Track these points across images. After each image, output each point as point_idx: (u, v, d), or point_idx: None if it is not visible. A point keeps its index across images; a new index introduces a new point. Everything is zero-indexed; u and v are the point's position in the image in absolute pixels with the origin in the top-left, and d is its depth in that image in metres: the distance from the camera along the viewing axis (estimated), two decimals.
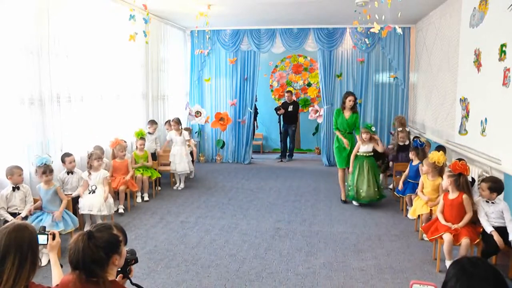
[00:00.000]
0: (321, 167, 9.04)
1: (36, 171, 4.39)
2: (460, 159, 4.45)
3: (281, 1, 6.62)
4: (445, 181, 3.99)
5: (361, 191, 5.89)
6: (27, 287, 1.91)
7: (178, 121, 7.09)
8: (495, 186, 3.77)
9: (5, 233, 1.93)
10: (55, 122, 5.05)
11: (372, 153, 5.99)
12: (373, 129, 5.98)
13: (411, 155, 5.54)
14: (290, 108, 9.72)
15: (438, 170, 4.70)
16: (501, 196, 3.94)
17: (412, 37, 8.71)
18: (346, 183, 6.22)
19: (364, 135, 5.90)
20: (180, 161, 6.92)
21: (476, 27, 5.17)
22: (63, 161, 4.93)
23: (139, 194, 6.24)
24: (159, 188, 6.94)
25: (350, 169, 6.00)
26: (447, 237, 3.76)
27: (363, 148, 5.95)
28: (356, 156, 5.98)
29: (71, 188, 4.96)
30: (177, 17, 8.10)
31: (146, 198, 6.27)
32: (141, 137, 6.51)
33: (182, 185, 7.10)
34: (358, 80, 9.03)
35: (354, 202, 6.06)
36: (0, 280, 1.84)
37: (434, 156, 4.63)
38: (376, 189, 5.90)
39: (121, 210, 5.69)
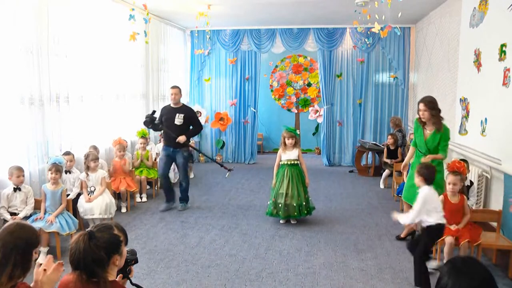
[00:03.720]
0: (321, 167, 9.04)
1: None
2: (463, 159, 4.45)
3: (281, 1, 6.62)
4: (458, 185, 3.89)
5: (279, 205, 5.10)
6: (14, 287, 1.91)
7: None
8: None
9: (3, 228, 1.99)
10: (55, 122, 5.05)
11: (297, 161, 5.24)
12: (298, 132, 5.39)
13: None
14: (178, 120, 5.63)
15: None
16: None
17: (412, 37, 8.71)
18: (269, 200, 5.34)
19: (289, 141, 5.13)
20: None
21: (476, 27, 5.17)
22: None
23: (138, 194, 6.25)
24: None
25: (274, 181, 5.27)
26: (449, 240, 3.75)
27: (286, 156, 5.18)
28: (280, 165, 5.26)
29: (68, 188, 4.94)
30: (177, 17, 8.10)
31: (144, 199, 6.27)
32: (142, 136, 6.54)
33: None
34: (358, 80, 9.03)
35: (281, 220, 5.25)
36: None
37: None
38: (295, 204, 5.07)
39: (123, 209, 5.74)
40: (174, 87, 5.80)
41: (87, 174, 4.96)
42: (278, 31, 9.01)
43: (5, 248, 1.92)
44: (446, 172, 4.25)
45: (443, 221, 3.47)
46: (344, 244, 4.59)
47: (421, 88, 8.13)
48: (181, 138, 5.57)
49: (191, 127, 5.80)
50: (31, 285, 2.03)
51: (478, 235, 3.80)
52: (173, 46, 8.84)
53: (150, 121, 5.64)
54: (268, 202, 5.36)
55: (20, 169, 4.20)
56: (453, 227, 3.81)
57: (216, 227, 5.14)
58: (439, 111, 4.26)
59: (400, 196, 5.67)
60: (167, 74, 8.57)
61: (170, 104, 5.84)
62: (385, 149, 7.24)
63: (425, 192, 3.45)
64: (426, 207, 3.42)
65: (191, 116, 5.82)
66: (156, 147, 7.27)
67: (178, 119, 5.65)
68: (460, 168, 3.95)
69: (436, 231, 3.47)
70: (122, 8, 6.37)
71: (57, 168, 4.35)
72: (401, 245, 4.54)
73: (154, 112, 5.78)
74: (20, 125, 4.51)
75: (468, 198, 4.21)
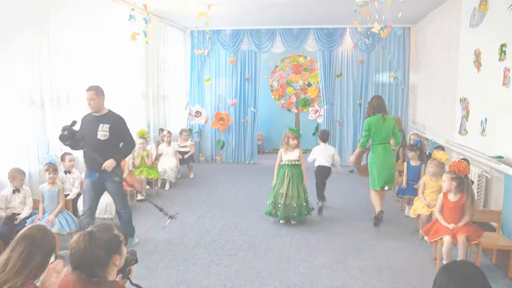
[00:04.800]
0: None
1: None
2: (464, 159, 4.45)
3: (281, 1, 6.62)
4: (447, 183, 3.94)
5: (279, 205, 5.09)
6: (23, 285, 1.93)
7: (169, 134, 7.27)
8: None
9: (29, 227, 2.09)
10: (55, 122, 5.04)
11: (298, 162, 5.19)
12: (301, 132, 5.45)
13: (411, 155, 5.52)
14: (102, 134, 4.10)
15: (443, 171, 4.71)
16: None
17: (412, 37, 8.71)
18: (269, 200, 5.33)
19: (293, 141, 5.14)
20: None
21: (476, 27, 5.18)
22: (62, 159, 4.93)
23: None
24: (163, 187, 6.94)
25: (274, 182, 5.28)
26: (447, 239, 3.75)
27: (287, 156, 5.18)
28: (280, 166, 5.27)
29: (68, 188, 4.93)
30: (177, 17, 8.10)
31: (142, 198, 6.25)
32: (141, 136, 6.55)
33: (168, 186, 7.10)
34: (358, 80, 9.03)
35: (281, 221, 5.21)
36: (5, 266, 1.93)
37: (437, 154, 4.70)
38: (295, 204, 5.06)
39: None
40: (89, 88, 4.11)
41: None
42: (278, 31, 9.00)
43: (30, 250, 1.97)
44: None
45: (323, 164, 5.71)
46: (344, 244, 4.59)
47: (421, 88, 8.13)
48: (109, 164, 4.06)
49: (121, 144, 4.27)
50: (38, 284, 2.07)
51: (477, 235, 3.78)
52: (173, 46, 8.84)
53: (68, 136, 3.98)
54: (268, 202, 5.36)
55: (23, 173, 4.25)
56: (451, 226, 3.81)
57: (216, 227, 5.14)
58: (369, 108, 5.33)
59: (400, 196, 5.69)
60: (167, 74, 8.57)
61: (91, 113, 4.21)
62: None
63: (320, 146, 5.79)
64: (316, 155, 5.76)
65: (119, 128, 4.19)
66: (159, 147, 7.36)
67: (102, 132, 4.09)
68: (454, 168, 3.95)
69: (320, 170, 5.72)
70: (122, 8, 6.37)
71: (54, 168, 4.37)
72: (401, 245, 4.54)
73: (74, 123, 4.05)
74: (20, 125, 4.52)
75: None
